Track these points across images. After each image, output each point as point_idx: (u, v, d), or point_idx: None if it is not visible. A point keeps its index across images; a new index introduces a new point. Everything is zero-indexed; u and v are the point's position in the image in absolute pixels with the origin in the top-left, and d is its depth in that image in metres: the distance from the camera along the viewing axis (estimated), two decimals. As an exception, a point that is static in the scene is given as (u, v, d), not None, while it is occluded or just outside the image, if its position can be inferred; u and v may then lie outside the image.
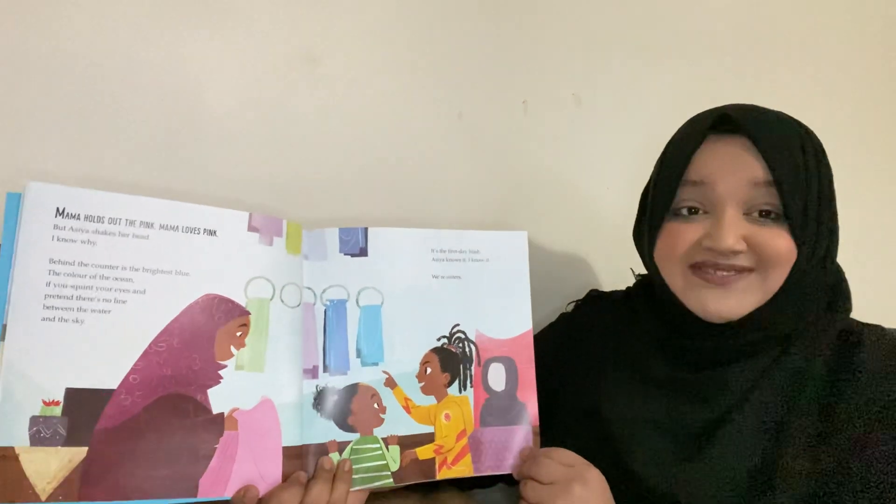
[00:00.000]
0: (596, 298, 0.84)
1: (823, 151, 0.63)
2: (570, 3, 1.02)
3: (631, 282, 0.81)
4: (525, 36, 0.99)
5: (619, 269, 0.87)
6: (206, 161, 0.78)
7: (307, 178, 0.83)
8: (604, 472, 0.61)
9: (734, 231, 0.59)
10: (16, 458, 0.50)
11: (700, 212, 0.63)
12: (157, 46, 0.75)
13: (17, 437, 0.50)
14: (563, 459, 0.62)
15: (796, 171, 0.59)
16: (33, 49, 0.70)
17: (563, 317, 0.86)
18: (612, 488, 0.61)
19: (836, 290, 0.66)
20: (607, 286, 0.91)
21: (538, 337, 0.81)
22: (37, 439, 0.51)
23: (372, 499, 0.64)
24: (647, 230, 0.68)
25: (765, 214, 0.60)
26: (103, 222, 0.55)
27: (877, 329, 0.63)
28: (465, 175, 0.94)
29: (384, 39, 0.89)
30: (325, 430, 0.62)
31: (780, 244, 0.59)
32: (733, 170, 0.60)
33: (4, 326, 0.51)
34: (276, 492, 0.56)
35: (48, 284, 0.53)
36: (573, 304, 0.86)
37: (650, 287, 0.72)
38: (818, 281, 0.62)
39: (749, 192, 0.59)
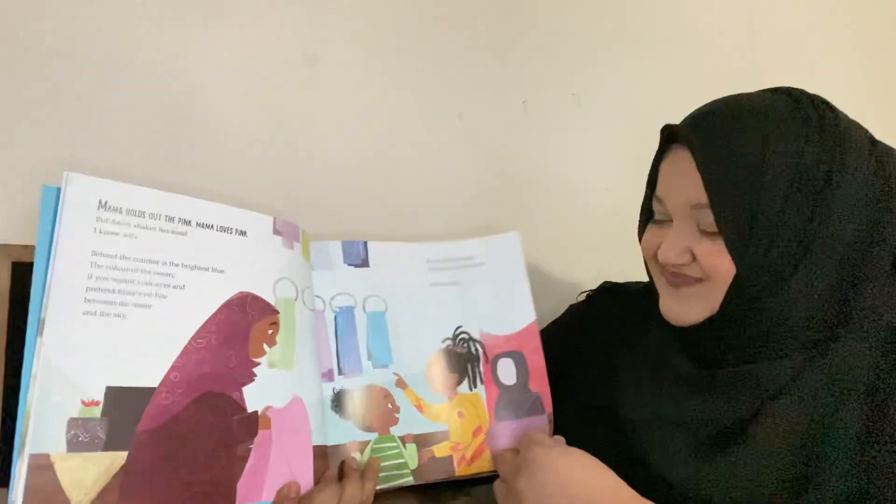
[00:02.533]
0: (610, 290, 0.82)
1: (811, 145, 0.55)
2: (570, 3, 1.02)
3: (632, 279, 0.81)
4: (525, 36, 0.99)
5: (618, 268, 0.87)
6: (205, 161, 0.78)
7: (307, 178, 0.83)
8: (620, 469, 0.58)
9: (676, 246, 0.59)
10: (51, 468, 0.46)
11: (665, 221, 0.64)
12: (156, 47, 0.75)
13: (54, 443, 0.47)
14: (544, 440, 0.61)
15: (737, 183, 0.55)
16: (39, 47, 0.70)
17: (573, 308, 0.85)
18: (629, 485, 0.58)
19: (887, 297, 0.59)
20: (607, 286, 0.91)
21: (546, 330, 0.80)
22: (74, 444, 0.47)
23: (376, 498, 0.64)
24: (638, 229, 0.69)
25: (706, 231, 0.58)
26: (144, 217, 0.55)
27: None
28: (464, 175, 0.94)
29: (384, 39, 0.89)
30: (345, 431, 0.63)
31: (715, 259, 0.57)
32: (678, 189, 0.60)
33: (43, 321, 0.49)
34: (315, 493, 0.56)
35: (90, 277, 0.51)
36: (585, 293, 0.85)
37: None
38: (780, 299, 0.56)
39: (693, 212, 0.59)
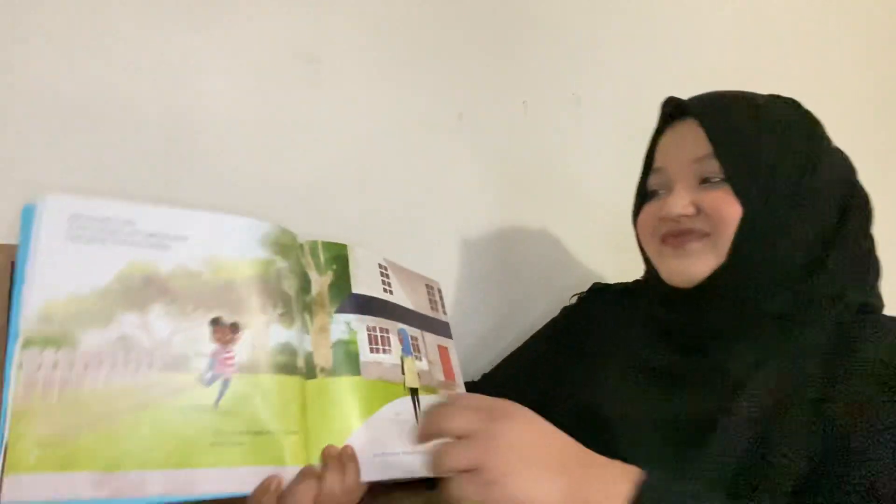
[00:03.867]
0: (599, 291, 0.84)
1: (798, 125, 0.65)
2: (571, 4, 1.02)
3: (629, 280, 0.82)
4: (525, 36, 0.99)
5: (618, 268, 0.87)
6: (205, 161, 0.78)
7: (306, 179, 0.83)
8: None
9: (681, 198, 0.64)
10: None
11: (663, 192, 0.68)
12: (154, 48, 0.75)
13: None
14: (470, 402, 0.48)
15: (739, 137, 0.63)
16: (39, 47, 0.70)
17: (566, 310, 0.86)
18: None
19: (849, 277, 0.64)
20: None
21: (541, 332, 0.80)
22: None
23: (378, 497, 0.63)
24: (633, 218, 0.73)
25: (710, 181, 0.63)
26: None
27: (876, 318, 0.63)
28: (465, 175, 0.94)
29: (384, 40, 0.89)
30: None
31: (721, 203, 0.62)
32: (681, 149, 0.66)
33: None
34: (291, 486, 0.55)
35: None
36: (576, 296, 0.86)
37: (646, 276, 0.74)
38: (790, 251, 0.62)
39: (696, 166, 0.64)
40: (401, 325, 0.70)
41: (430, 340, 0.74)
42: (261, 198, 0.79)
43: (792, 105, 0.67)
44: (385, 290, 0.71)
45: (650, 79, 1.07)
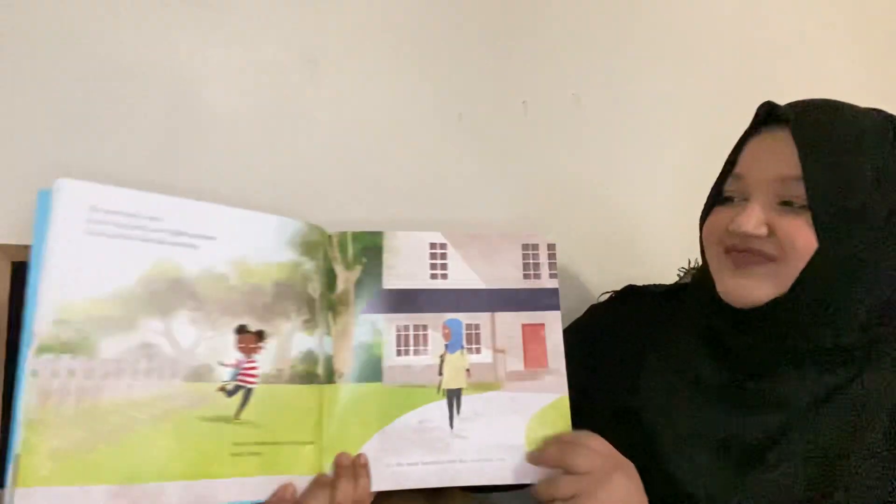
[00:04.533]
0: (633, 292, 0.81)
1: None
2: (571, 3, 1.02)
3: (628, 281, 0.82)
4: (525, 36, 0.99)
5: (618, 269, 0.87)
6: (205, 161, 0.78)
7: (305, 179, 0.83)
8: (644, 478, 0.58)
9: (755, 216, 0.59)
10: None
11: (738, 200, 0.63)
12: (156, 47, 0.76)
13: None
14: (599, 447, 0.58)
15: (834, 166, 0.57)
16: (40, 47, 0.70)
17: (595, 308, 0.84)
18: (651, 496, 0.58)
19: None
20: (607, 286, 0.90)
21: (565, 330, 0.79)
22: None
23: (379, 499, 0.63)
24: (701, 217, 0.69)
25: (791, 204, 0.59)
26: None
27: None
28: (464, 175, 0.94)
29: (384, 40, 0.89)
30: None
31: (797, 231, 0.57)
32: (766, 162, 0.61)
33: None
34: (303, 498, 0.55)
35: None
36: (608, 293, 0.83)
37: (701, 281, 0.70)
38: (857, 286, 0.58)
39: (778, 185, 0.59)
40: (450, 316, 0.65)
41: (507, 322, 0.66)
42: (257, 196, 0.79)
43: (893, 129, 0.60)
44: (434, 276, 0.65)
45: (650, 79, 1.07)
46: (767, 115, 0.63)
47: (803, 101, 0.63)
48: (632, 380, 0.69)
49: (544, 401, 0.64)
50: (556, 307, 0.67)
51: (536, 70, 0.99)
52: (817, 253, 0.56)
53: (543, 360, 0.65)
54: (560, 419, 0.63)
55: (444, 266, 0.66)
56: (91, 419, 0.47)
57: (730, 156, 0.66)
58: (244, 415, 0.54)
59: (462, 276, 0.66)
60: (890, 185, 0.58)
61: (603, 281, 1.02)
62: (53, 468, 0.45)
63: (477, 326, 0.65)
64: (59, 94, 0.71)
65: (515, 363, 0.65)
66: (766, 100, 0.64)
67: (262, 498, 0.54)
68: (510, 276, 0.67)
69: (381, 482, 0.59)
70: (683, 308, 0.72)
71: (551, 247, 0.70)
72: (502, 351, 0.65)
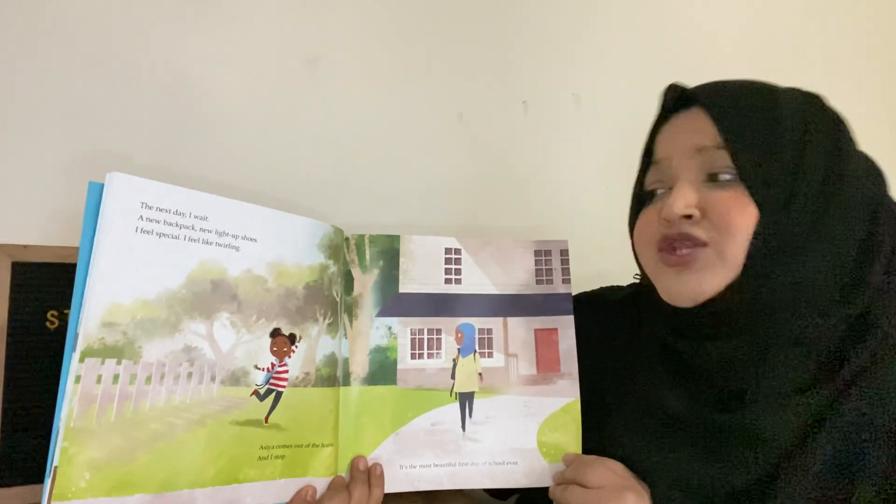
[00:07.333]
0: (585, 302, 0.71)
1: (822, 120, 0.54)
2: (571, 4, 1.02)
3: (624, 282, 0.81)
4: (525, 36, 0.99)
5: (618, 269, 0.86)
6: (206, 161, 0.78)
7: (305, 179, 0.83)
8: None
9: (683, 195, 0.53)
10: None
11: (663, 192, 0.58)
12: (157, 47, 0.75)
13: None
14: (615, 468, 0.57)
15: (754, 128, 0.52)
16: (41, 46, 0.70)
17: None
18: None
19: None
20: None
21: None
22: None
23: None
24: (629, 226, 0.63)
25: (717, 178, 0.53)
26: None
27: None
28: (464, 175, 0.94)
29: (384, 40, 0.89)
30: None
31: (731, 205, 0.51)
32: (684, 140, 0.55)
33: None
34: (322, 501, 0.56)
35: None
36: None
37: (647, 292, 0.63)
38: (814, 257, 0.51)
39: (701, 158, 0.54)
40: (463, 320, 0.65)
41: (520, 326, 0.66)
42: (257, 196, 0.79)
43: (815, 100, 0.56)
44: (449, 280, 0.65)
45: (650, 79, 1.07)
46: (676, 100, 0.59)
47: (711, 82, 0.58)
48: (591, 409, 0.64)
49: (556, 405, 0.64)
50: (568, 312, 0.67)
51: (536, 70, 0.99)
52: (760, 224, 0.50)
53: (556, 365, 0.65)
54: (572, 423, 0.63)
55: (458, 271, 0.66)
56: (131, 427, 0.46)
57: (645, 147, 0.62)
58: (272, 418, 0.54)
59: (476, 280, 0.66)
60: (819, 152, 0.52)
61: (603, 281, 1.02)
62: (92, 479, 0.44)
63: (490, 331, 0.65)
64: (59, 93, 0.71)
65: (528, 367, 0.65)
66: (671, 83, 0.60)
67: (284, 500, 0.54)
68: (523, 282, 0.67)
69: (394, 484, 0.59)
70: (640, 319, 0.66)
71: (564, 252, 0.70)
72: (515, 355, 0.65)
